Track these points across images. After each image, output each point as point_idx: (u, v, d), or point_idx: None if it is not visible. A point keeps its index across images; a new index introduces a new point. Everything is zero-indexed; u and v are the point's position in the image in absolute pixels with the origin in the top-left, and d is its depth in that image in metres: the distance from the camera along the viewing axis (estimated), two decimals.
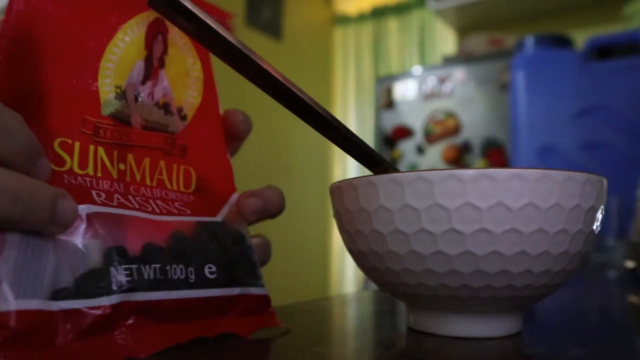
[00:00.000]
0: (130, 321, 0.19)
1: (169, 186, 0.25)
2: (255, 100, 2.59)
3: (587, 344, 0.23)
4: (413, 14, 2.69)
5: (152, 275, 0.20)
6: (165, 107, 0.25)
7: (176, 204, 0.24)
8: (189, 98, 0.27)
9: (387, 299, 0.36)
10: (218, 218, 0.25)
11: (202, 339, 0.21)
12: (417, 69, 2.09)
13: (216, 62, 0.28)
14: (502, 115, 1.82)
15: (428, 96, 2.01)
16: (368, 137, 2.62)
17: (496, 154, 1.84)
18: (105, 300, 0.19)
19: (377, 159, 0.25)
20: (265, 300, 0.25)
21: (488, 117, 1.87)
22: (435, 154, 1.98)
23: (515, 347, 0.22)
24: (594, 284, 0.50)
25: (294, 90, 0.22)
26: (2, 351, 0.16)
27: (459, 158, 1.92)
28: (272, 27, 2.56)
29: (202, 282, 0.22)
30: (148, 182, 0.24)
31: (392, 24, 2.78)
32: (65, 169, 0.21)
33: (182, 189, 0.25)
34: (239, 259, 0.24)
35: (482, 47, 1.98)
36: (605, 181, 0.23)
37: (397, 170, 0.23)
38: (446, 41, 2.55)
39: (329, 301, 0.36)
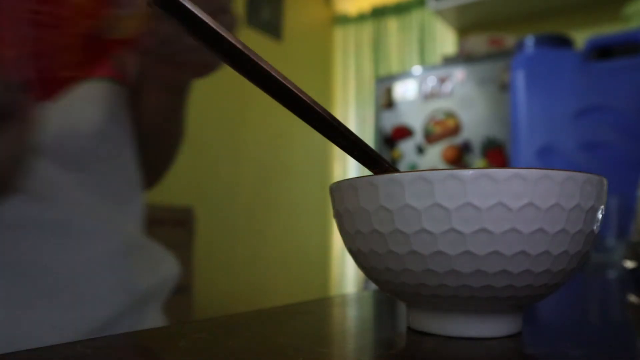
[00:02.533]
0: None
1: None
2: (255, 100, 2.59)
3: (587, 344, 0.23)
4: (413, 14, 2.69)
5: None
6: None
7: None
8: None
9: (387, 299, 0.36)
10: None
11: (196, 340, 0.21)
12: (417, 69, 2.09)
13: None
14: (502, 115, 1.82)
15: (428, 96, 2.01)
16: (368, 137, 2.62)
17: (496, 154, 1.84)
18: None
19: (377, 159, 0.25)
20: None
21: (488, 117, 1.87)
22: (435, 154, 1.98)
23: (515, 347, 0.22)
24: (594, 284, 0.50)
25: (294, 90, 0.22)
26: None
27: (459, 158, 1.92)
28: (272, 27, 2.56)
29: None
30: None
31: (392, 24, 2.78)
32: None
33: None
34: None
35: (482, 47, 1.98)
36: (605, 181, 0.23)
37: (397, 170, 0.23)
38: (446, 41, 2.55)
39: (329, 301, 0.36)
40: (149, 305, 0.51)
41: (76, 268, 0.45)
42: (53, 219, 0.44)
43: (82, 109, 0.46)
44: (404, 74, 2.12)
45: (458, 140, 1.93)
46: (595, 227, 0.22)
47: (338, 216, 0.25)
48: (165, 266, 0.54)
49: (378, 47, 2.81)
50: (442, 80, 1.98)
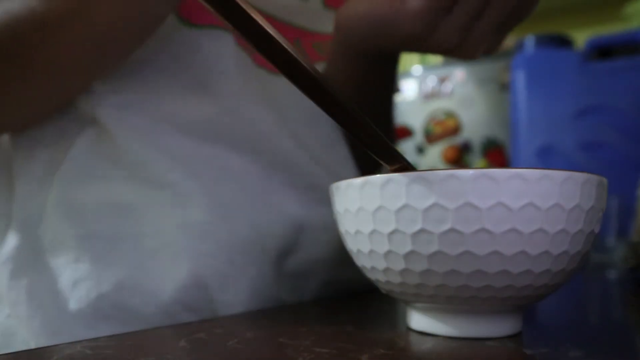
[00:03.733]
0: None
1: None
2: None
3: (587, 344, 0.23)
4: None
5: None
6: None
7: None
8: None
9: (387, 299, 0.36)
10: None
11: (196, 340, 0.21)
12: (417, 69, 2.09)
13: None
14: (502, 115, 1.82)
15: (428, 96, 2.01)
16: None
17: (496, 154, 1.84)
18: None
19: (397, 155, 0.24)
20: None
21: (488, 117, 1.87)
22: (435, 154, 1.98)
23: (515, 347, 0.22)
24: (594, 284, 0.50)
25: (335, 93, 0.21)
26: None
27: (459, 158, 1.92)
28: None
29: None
30: None
31: None
32: None
33: None
34: None
35: None
36: (605, 181, 0.23)
37: (414, 169, 0.23)
38: None
39: (329, 301, 0.36)
40: None
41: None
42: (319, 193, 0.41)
43: None
44: (404, 74, 2.12)
45: (458, 140, 1.93)
46: (595, 227, 0.22)
47: (338, 216, 0.25)
48: None
49: None
50: (442, 80, 1.98)
